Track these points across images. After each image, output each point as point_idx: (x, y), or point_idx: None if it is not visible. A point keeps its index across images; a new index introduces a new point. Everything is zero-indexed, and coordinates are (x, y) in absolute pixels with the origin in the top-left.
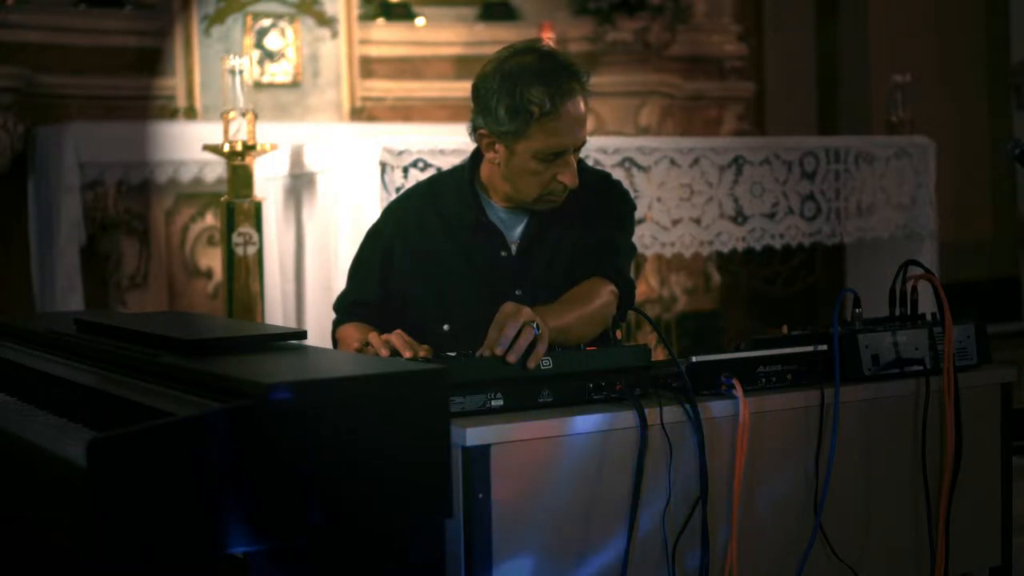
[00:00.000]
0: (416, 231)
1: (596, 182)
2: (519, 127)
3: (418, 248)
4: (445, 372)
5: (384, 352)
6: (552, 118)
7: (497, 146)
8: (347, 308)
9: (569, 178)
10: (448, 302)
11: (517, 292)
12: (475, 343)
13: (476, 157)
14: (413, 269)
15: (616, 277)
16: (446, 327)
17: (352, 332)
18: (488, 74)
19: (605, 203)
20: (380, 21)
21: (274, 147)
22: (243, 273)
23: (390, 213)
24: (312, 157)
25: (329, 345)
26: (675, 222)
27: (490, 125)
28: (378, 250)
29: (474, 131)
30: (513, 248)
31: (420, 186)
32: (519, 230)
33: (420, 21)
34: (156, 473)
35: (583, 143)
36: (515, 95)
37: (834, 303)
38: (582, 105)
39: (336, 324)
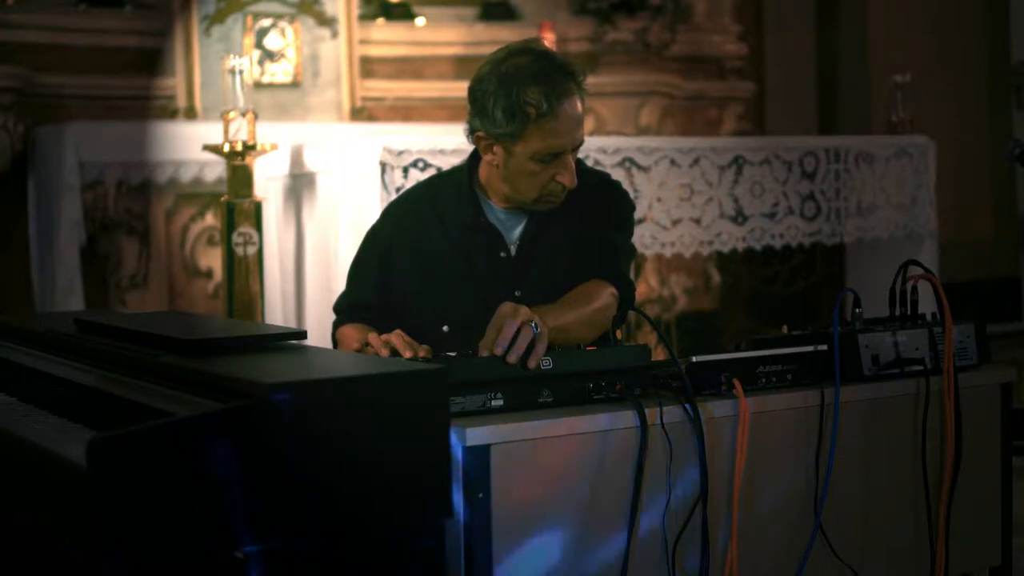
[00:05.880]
0: (415, 232)
1: (596, 183)
2: (516, 129)
3: (417, 249)
4: (445, 372)
5: (384, 352)
6: (549, 119)
7: (495, 148)
8: (347, 309)
9: (567, 178)
10: (447, 303)
11: (516, 293)
12: (475, 344)
13: (475, 158)
14: (412, 270)
15: (616, 279)
16: (445, 328)
17: (352, 333)
18: (484, 76)
19: (605, 204)
20: (380, 21)
21: (274, 147)
22: (243, 273)
23: (389, 214)
24: (312, 157)
25: (329, 345)
26: (675, 222)
27: (487, 127)
28: (377, 251)
29: (471, 133)
30: (512, 249)
31: (419, 187)
32: (518, 231)
33: (420, 21)
34: (156, 473)
35: (581, 143)
36: (511, 97)
37: (834, 303)
38: (579, 105)
39: (336, 325)
